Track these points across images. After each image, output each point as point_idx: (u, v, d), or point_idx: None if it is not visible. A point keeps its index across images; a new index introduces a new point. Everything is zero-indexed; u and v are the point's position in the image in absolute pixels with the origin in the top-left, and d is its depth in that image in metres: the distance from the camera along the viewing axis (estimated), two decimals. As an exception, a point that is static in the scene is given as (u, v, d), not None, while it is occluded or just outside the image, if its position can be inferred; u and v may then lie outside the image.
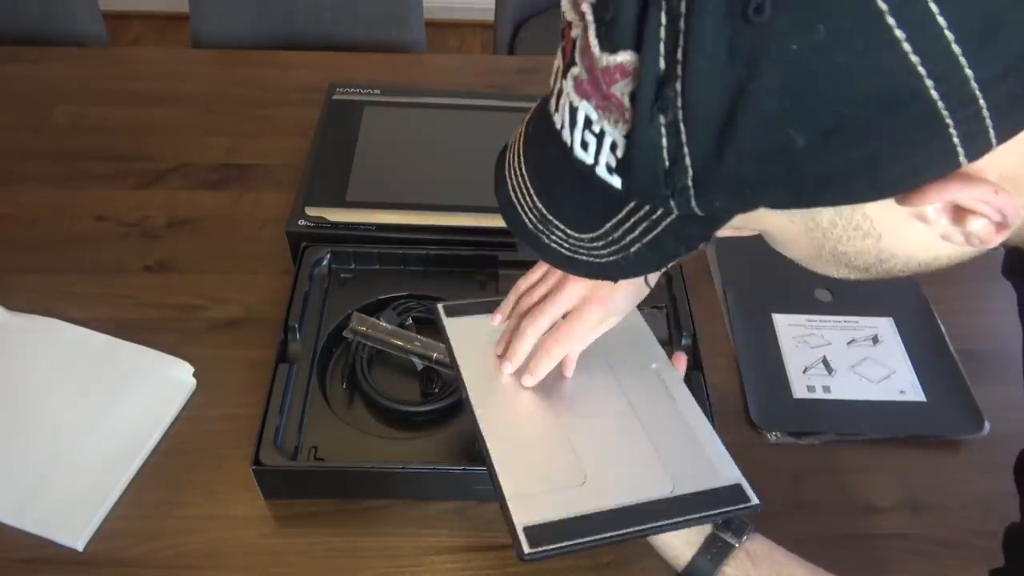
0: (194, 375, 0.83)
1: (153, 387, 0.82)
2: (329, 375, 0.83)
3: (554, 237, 0.43)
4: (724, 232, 0.41)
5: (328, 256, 0.89)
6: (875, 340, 0.92)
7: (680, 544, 0.59)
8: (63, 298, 0.90)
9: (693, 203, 0.36)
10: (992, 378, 0.88)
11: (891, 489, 0.79)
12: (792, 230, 0.39)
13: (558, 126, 0.39)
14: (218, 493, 0.75)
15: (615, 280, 0.61)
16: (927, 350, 0.91)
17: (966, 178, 0.32)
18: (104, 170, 1.07)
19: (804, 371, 0.88)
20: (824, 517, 0.77)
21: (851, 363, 0.89)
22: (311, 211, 0.91)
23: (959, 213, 0.34)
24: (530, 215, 0.43)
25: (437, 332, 0.72)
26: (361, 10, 1.46)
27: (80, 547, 0.71)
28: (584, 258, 0.42)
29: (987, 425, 0.83)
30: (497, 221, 0.89)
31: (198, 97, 1.19)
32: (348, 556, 0.72)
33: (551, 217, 0.42)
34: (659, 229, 0.39)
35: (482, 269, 0.90)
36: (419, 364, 0.82)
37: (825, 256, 0.40)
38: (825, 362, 0.89)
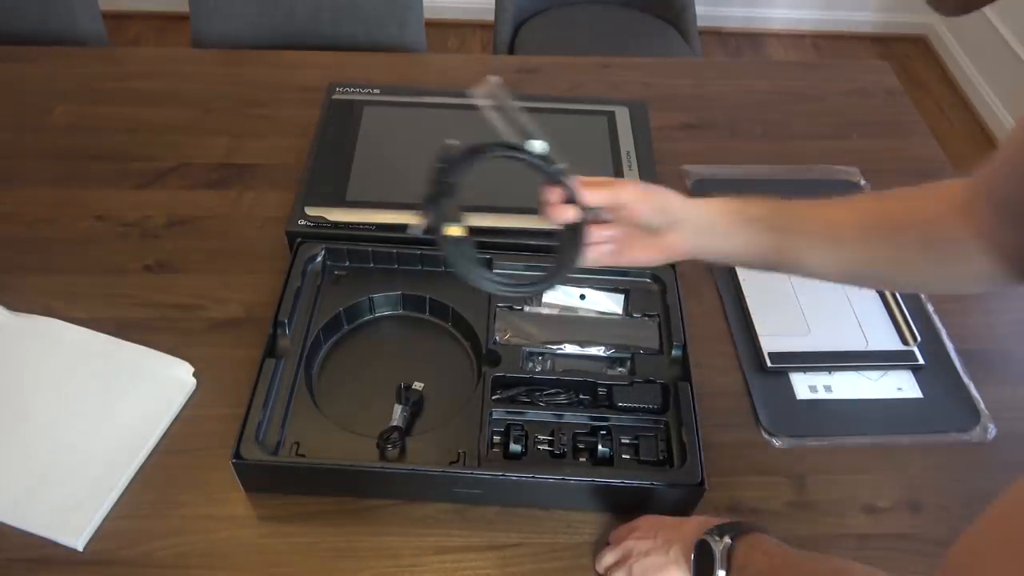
0: (194, 375, 0.83)
1: (153, 387, 0.82)
2: (317, 371, 0.83)
3: None
4: None
5: (323, 253, 0.89)
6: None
7: None
8: (63, 298, 0.90)
9: None
10: (992, 378, 0.87)
11: (891, 489, 0.79)
12: None
13: None
14: (218, 493, 0.75)
15: None
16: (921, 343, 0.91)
17: None
18: (104, 170, 1.07)
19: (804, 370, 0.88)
20: (824, 517, 0.77)
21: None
22: (311, 211, 0.91)
23: None
24: None
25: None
26: (361, 10, 1.46)
27: (80, 547, 0.71)
28: None
29: (992, 428, 0.83)
30: (497, 221, 0.90)
31: (198, 97, 1.19)
32: (348, 556, 0.72)
33: None
34: None
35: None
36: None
37: None
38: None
